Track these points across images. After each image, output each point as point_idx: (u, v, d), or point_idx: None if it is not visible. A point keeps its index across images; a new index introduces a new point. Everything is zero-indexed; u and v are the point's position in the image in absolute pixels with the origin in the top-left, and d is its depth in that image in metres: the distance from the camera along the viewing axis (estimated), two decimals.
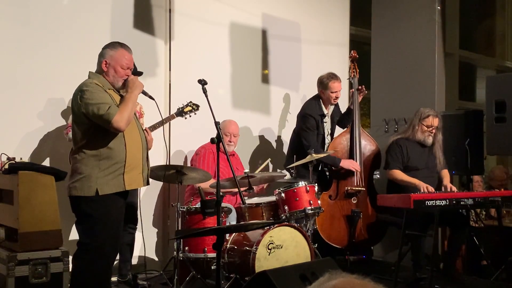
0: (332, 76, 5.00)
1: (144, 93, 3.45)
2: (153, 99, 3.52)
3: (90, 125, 3.19)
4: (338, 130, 5.35)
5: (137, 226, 4.41)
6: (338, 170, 4.99)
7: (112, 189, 3.20)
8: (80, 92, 3.19)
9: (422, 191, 4.39)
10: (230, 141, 4.87)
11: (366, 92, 5.18)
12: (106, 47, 3.37)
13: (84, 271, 3.22)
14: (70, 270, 3.38)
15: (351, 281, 1.22)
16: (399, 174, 4.71)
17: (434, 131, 4.75)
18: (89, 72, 3.36)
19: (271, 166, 5.73)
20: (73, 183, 3.21)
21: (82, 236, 3.30)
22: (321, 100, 5.07)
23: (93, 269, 3.22)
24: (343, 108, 5.41)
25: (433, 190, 4.46)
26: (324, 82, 5.00)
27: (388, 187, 4.89)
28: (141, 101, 4.33)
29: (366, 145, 5.16)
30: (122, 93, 3.35)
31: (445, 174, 4.86)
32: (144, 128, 3.93)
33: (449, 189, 4.58)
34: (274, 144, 5.90)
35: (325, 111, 5.09)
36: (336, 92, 5.00)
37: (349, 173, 4.99)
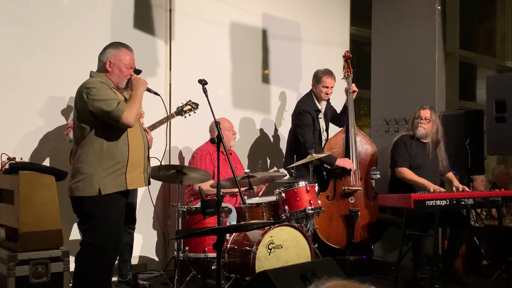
0: (328, 72, 5.07)
1: (149, 90, 3.43)
2: (158, 95, 3.46)
3: (94, 124, 3.16)
4: (332, 127, 5.35)
5: (135, 226, 4.41)
6: (334, 170, 4.99)
7: (114, 188, 3.18)
8: (85, 89, 3.16)
9: (432, 192, 4.38)
10: (234, 134, 4.94)
11: (357, 90, 5.17)
12: (109, 47, 3.35)
13: (86, 270, 3.21)
14: (72, 269, 3.37)
15: (340, 283, 1.30)
16: (408, 173, 4.69)
17: (424, 122, 4.75)
18: (91, 71, 3.35)
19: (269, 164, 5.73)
20: (75, 183, 3.18)
21: (84, 236, 3.29)
22: (314, 96, 5.09)
23: (95, 268, 3.21)
24: (337, 108, 5.39)
25: (442, 190, 4.44)
26: (318, 76, 5.06)
27: (391, 187, 4.89)
28: (144, 99, 4.32)
29: (362, 144, 5.16)
30: (126, 93, 3.34)
31: (452, 176, 4.87)
32: (144, 128, 3.93)
33: (461, 190, 4.58)
34: (274, 144, 5.90)
35: (319, 107, 5.10)
36: (327, 88, 5.04)
37: (346, 173, 4.99)
